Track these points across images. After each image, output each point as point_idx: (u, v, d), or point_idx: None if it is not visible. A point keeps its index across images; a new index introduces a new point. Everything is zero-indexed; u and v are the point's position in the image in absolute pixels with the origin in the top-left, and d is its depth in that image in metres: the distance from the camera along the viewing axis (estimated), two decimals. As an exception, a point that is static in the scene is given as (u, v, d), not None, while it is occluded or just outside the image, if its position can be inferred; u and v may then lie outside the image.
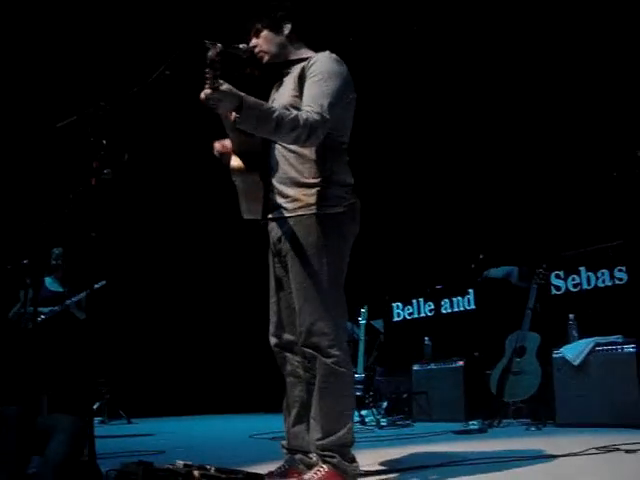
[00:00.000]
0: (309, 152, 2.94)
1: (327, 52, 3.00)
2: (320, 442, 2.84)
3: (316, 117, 2.77)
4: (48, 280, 7.39)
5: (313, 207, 2.90)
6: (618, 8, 6.71)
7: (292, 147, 2.92)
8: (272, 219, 3.05)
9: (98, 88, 6.73)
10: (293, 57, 3.10)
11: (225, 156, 3.18)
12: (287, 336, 3.08)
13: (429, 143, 8.78)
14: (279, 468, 3.05)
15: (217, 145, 3.22)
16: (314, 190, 2.91)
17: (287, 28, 3.07)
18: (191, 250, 10.19)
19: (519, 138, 7.95)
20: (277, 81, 3.19)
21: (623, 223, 5.91)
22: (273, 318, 3.12)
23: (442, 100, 8.41)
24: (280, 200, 2.99)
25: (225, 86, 2.64)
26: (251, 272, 3.44)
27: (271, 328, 3.13)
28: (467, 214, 8.41)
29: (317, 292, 2.88)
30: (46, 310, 7.01)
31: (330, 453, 2.83)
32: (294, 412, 3.09)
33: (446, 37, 7.85)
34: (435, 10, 7.66)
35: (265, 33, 3.07)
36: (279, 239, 3.01)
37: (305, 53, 3.09)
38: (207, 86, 2.63)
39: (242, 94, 2.68)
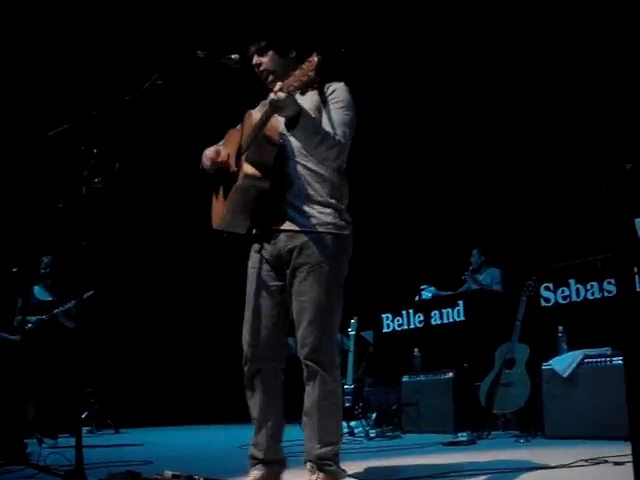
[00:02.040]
0: (327, 173, 3.08)
1: (342, 83, 3.13)
2: (319, 452, 2.96)
3: (342, 141, 2.98)
4: (37, 289, 7.36)
5: (331, 227, 3.05)
6: (608, 20, 6.76)
7: (311, 165, 3.06)
8: (282, 230, 3.08)
9: (90, 97, 6.75)
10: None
11: (215, 166, 3.22)
12: (266, 345, 3.10)
13: (416, 155, 8.82)
14: None
15: (210, 153, 3.25)
16: (329, 210, 3.06)
17: (292, 53, 3.15)
18: (180, 258, 10.17)
19: (508, 150, 8.01)
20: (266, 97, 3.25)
21: (612, 236, 5.93)
22: (252, 326, 3.11)
23: (431, 112, 8.45)
24: (294, 214, 3.05)
25: (295, 93, 2.80)
26: (237, 282, 3.43)
27: (247, 336, 3.13)
28: (456, 225, 8.45)
29: (328, 309, 2.99)
30: (33, 319, 6.98)
31: (328, 462, 2.97)
32: (269, 425, 3.12)
33: (441, 40, 7.89)
34: (429, 12, 7.71)
35: (271, 54, 3.15)
36: (289, 251, 3.06)
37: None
38: (280, 90, 2.73)
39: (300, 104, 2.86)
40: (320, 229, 3.03)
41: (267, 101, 3.00)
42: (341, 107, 3.05)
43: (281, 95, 2.73)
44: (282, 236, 3.08)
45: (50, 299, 7.31)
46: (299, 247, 3.03)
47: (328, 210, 3.06)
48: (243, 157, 3.01)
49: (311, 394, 3.00)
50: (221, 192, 3.22)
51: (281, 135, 3.06)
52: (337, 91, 3.09)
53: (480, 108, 8.10)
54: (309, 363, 2.98)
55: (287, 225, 3.06)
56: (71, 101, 7.18)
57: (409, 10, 7.68)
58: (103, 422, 8.25)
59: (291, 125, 2.88)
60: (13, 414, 5.41)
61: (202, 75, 3.36)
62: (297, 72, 2.68)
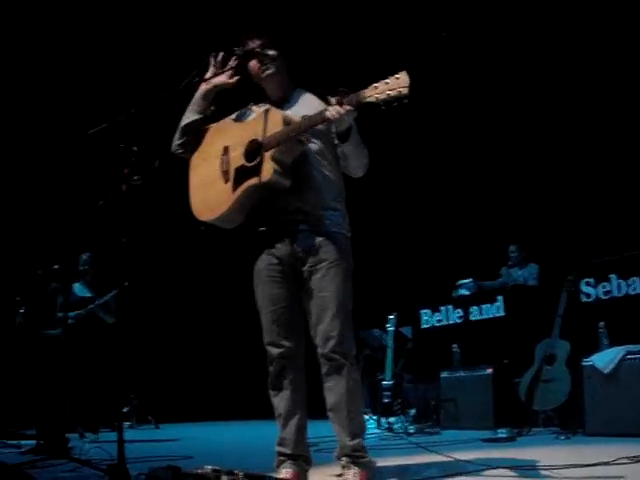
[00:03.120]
0: (335, 177, 3.24)
1: None
2: (351, 444, 3.06)
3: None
4: (77, 286, 7.45)
5: (341, 228, 3.20)
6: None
7: (325, 170, 3.20)
8: (298, 230, 3.15)
9: (129, 95, 6.84)
10: (289, 88, 3.34)
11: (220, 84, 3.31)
12: (288, 344, 3.20)
13: (454, 147, 8.77)
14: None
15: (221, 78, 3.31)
16: (338, 213, 3.21)
17: (289, 59, 3.34)
18: (218, 253, 10.23)
19: (548, 142, 7.93)
20: (258, 101, 3.40)
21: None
22: (271, 327, 3.21)
23: (467, 103, 8.40)
24: (310, 215, 3.15)
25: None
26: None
27: (268, 337, 3.22)
28: (494, 219, 8.39)
29: (347, 303, 3.13)
30: (72, 314, 7.07)
31: (360, 453, 3.09)
32: (297, 419, 3.22)
33: (465, 38, 7.85)
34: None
35: (275, 51, 3.27)
36: (306, 250, 3.14)
37: (299, 91, 3.34)
38: (353, 102, 2.87)
39: None
40: (334, 229, 3.16)
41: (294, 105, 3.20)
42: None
43: (348, 109, 2.89)
44: (298, 236, 3.16)
45: (89, 295, 7.41)
46: (317, 246, 3.13)
47: (337, 213, 3.20)
48: (267, 154, 3.05)
49: (337, 388, 3.08)
50: (219, 181, 3.24)
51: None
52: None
53: (522, 97, 8.02)
54: (335, 356, 3.07)
55: (303, 225, 3.15)
56: (110, 100, 7.27)
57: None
58: (143, 417, 8.38)
59: (344, 138, 3.06)
60: (55, 409, 5.51)
61: (239, 72, 3.39)
62: (379, 85, 2.79)
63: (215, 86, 3.32)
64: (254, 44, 3.27)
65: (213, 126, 3.40)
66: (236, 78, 3.30)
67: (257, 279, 3.27)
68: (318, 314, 3.10)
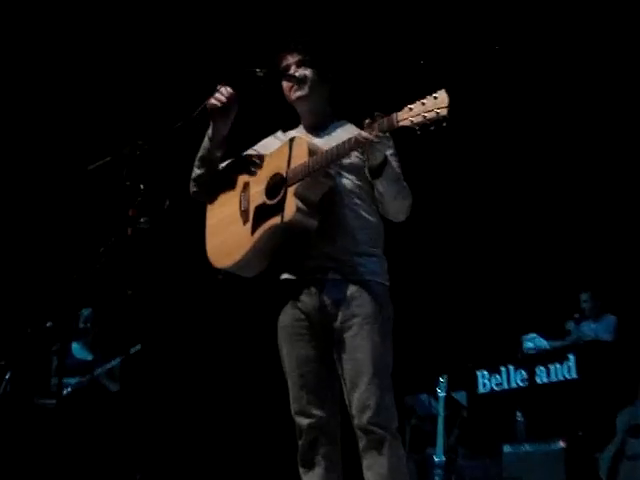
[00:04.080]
0: (373, 219, 3.27)
1: None
2: None
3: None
4: (75, 346, 7.36)
5: (378, 276, 3.21)
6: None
7: (359, 210, 3.22)
8: (327, 279, 3.16)
9: (135, 124, 6.89)
10: (327, 116, 3.42)
11: (225, 108, 3.26)
12: (320, 413, 3.17)
13: (514, 186, 8.75)
14: None
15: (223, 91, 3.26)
16: (375, 259, 3.22)
17: (330, 81, 3.42)
18: (242, 306, 10.19)
19: (620, 180, 7.91)
20: (288, 128, 3.49)
21: None
22: (299, 393, 3.19)
23: (529, 130, 8.38)
24: (341, 261, 3.17)
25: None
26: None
27: (297, 406, 3.21)
28: (565, 264, 8.32)
29: (386, 366, 3.12)
30: (72, 381, 7.02)
31: None
32: None
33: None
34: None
35: (311, 71, 3.34)
36: (336, 302, 3.13)
37: (341, 123, 3.41)
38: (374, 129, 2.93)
39: None
40: (368, 277, 3.17)
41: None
42: (394, 154, 3.26)
43: (381, 135, 2.94)
44: (327, 285, 3.17)
45: (91, 358, 7.35)
46: (349, 297, 3.13)
47: (373, 259, 3.22)
48: (290, 189, 3.10)
49: (376, 466, 3.03)
50: (238, 222, 3.30)
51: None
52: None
53: (595, 132, 8.03)
54: (373, 429, 3.02)
55: (333, 273, 3.17)
56: (115, 129, 7.34)
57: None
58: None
59: (377, 172, 3.10)
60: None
61: (261, 97, 3.43)
62: (415, 107, 2.81)
63: (208, 109, 3.31)
64: (288, 61, 3.35)
65: (234, 159, 3.46)
66: (225, 99, 3.25)
67: (282, 337, 3.28)
68: (352, 379, 3.08)
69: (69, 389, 6.97)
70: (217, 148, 3.34)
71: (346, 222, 3.19)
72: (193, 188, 3.43)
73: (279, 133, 3.49)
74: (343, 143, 3.02)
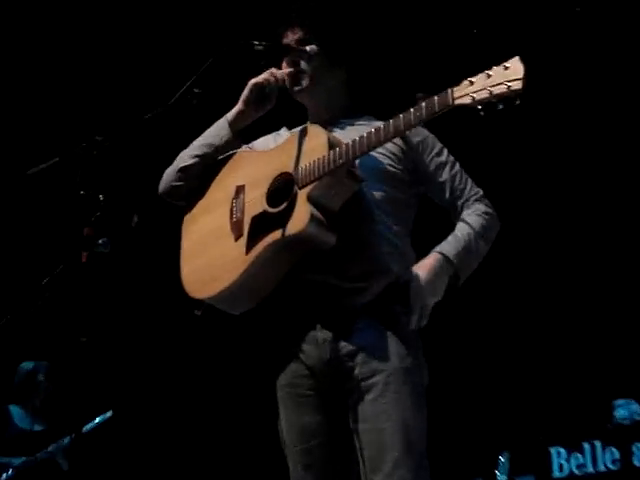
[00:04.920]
0: (407, 245, 3.30)
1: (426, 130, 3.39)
2: None
3: (491, 210, 3.34)
4: (16, 411, 7.19)
5: (399, 306, 3.13)
6: None
7: (392, 231, 3.23)
8: (341, 322, 3.13)
9: (93, 114, 6.88)
10: (343, 109, 3.45)
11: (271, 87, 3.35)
12: None
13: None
14: None
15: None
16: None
17: (344, 65, 3.45)
18: (227, 353, 10.21)
19: None
20: (294, 125, 3.47)
21: None
22: (301, 474, 3.16)
23: None
24: (356, 295, 3.13)
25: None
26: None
27: None
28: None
29: (419, 436, 3.06)
30: (16, 462, 6.88)
31: None
32: None
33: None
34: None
35: (316, 49, 3.35)
36: (351, 354, 3.09)
37: (366, 119, 3.42)
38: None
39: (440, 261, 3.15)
40: (395, 318, 3.14)
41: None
42: (453, 162, 3.35)
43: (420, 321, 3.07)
44: (340, 328, 3.13)
45: (39, 428, 7.23)
46: (370, 345, 3.09)
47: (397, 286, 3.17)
48: (302, 193, 3.06)
49: None
50: (226, 238, 3.26)
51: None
52: (430, 138, 3.37)
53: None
54: None
55: (348, 312, 3.13)
56: (64, 121, 7.34)
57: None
58: None
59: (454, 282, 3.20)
60: None
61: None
62: (477, 79, 2.77)
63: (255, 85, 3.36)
64: (288, 39, 3.37)
65: (223, 160, 3.46)
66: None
67: (281, 400, 3.25)
68: (373, 457, 3.01)
69: (10, 473, 6.75)
70: (234, 139, 3.41)
71: (370, 244, 3.17)
72: (175, 181, 3.42)
73: (283, 130, 3.52)
74: (377, 130, 2.99)
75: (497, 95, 2.71)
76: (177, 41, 6.96)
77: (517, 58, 2.72)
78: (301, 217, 3.00)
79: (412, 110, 2.90)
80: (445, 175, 3.30)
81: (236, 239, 3.19)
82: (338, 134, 3.24)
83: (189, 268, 3.35)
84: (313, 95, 3.38)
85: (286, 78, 3.34)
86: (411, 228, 3.34)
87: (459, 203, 3.30)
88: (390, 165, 3.24)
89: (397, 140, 3.22)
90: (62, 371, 6.50)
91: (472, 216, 3.26)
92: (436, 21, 7.01)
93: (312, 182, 3.03)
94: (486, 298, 8.72)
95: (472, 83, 2.76)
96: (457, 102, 2.79)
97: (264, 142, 3.51)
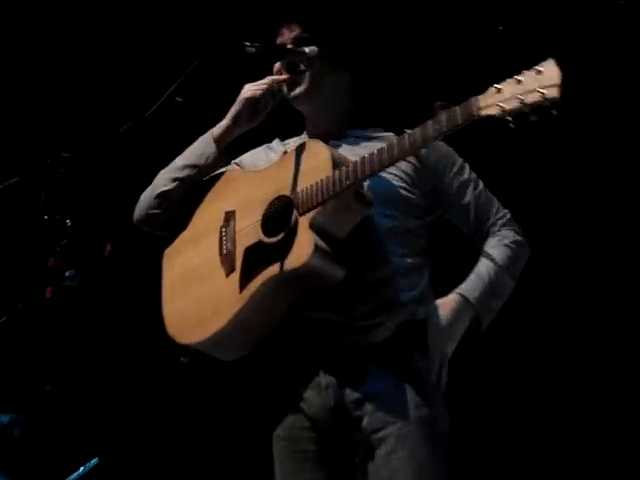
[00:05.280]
0: (424, 278, 3.26)
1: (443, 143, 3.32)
2: None
3: (519, 237, 3.35)
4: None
5: (416, 347, 3.13)
6: None
7: (406, 264, 3.20)
8: (348, 366, 3.09)
9: (59, 126, 6.83)
10: (346, 121, 3.43)
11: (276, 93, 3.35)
12: None
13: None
14: None
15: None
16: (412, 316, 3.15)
17: (349, 68, 3.43)
18: (218, 403, 10.18)
19: None
20: (287, 136, 3.51)
21: None
22: None
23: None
24: (366, 334, 3.10)
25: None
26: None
27: None
28: None
29: None
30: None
31: None
32: None
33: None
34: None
35: (315, 49, 3.32)
36: (358, 400, 3.06)
37: (375, 131, 3.42)
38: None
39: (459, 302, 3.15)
40: (415, 362, 3.13)
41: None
42: (479, 187, 3.35)
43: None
44: (346, 373, 3.10)
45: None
46: (380, 394, 3.06)
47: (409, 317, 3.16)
48: (303, 220, 3.02)
49: None
50: (216, 273, 3.23)
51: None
52: (450, 154, 3.37)
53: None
54: None
55: (355, 353, 3.10)
56: (25, 135, 7.32)
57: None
58: None
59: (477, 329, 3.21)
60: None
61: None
62: (506, 86, 2.69)
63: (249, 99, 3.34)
64: (284, 38, 3.36)
65: (208, 181, 3.44)
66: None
67: (277, 455, 3.21)
68: None
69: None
70: (220, 157, 3.39)
71: (382, 277, 3.15)
72: (152, 209, 3.40)
73: (275, 142, 3.51)
74: (390, 146, 2.94)
75: (530, 104, 2.61)
76: (156, 42, 6.89)
77: (552, 61, 2.63)
78: (303, 248, 2.96)
79: (430, 122, 2.84)
80: (468, 196, 3.29)
81: (227, 274, 3.16)
82: (342, 149, 3.23)
83: (172, 308, 3.32)
84: (312, 103, 3.36)
85: (282, 84, 3.33)
86: (429, 261, 3.30)
87: (485, 228, 3.30)
88: (403, 188, 3.22)
89: (410, 157, 3.18)
90: (35, 423, 6.46)
91: (498, 248, 3.26)
92: (455, 16, 6.90)
93: (315, 207, 3.00)
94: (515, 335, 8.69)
95: (500, 91, 2.68)
96: (483, 113, 2.71)
97: (254, 157, 3.48)
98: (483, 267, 3.23)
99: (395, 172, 3.19)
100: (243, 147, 3.52)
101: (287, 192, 3.09)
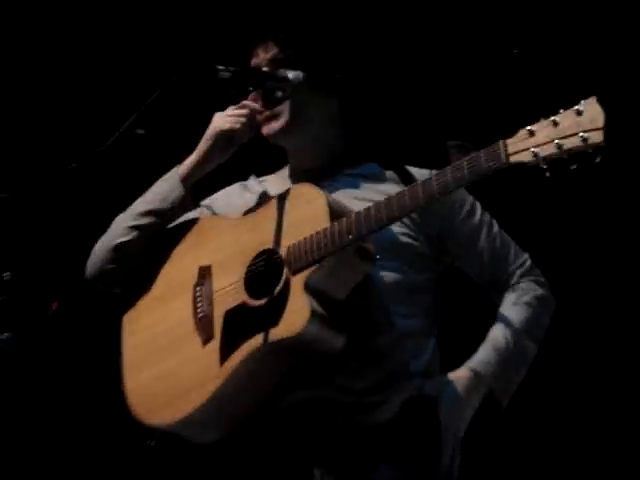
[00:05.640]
0: (432, 340, 3.21)
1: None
2: None
3: (544, 291, 3.29)
4: None
5: (424, 431, 3.04)
6: None
7: (416, 323, 3.15)
8: (348, 448, 3.01)
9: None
10: (336, 157, 3.36)
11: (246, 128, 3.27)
12: None
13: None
14: None
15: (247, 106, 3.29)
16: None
17: (335, 93, 3.36)
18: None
19: None
20: (263, 172, 3.50)
21: None
22: None
23: None
24: (363, 411, 3.02)
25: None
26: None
27: None
28: None
29: None
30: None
31: None
32: None
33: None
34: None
35: (297, 73, 3.27)
36: None
37: (369, 168, 3.35)
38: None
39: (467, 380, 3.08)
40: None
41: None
42: (493, 230, 3.30)
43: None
44: (345, 472, 3.02)
45: None
46: None
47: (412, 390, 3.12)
48: (296, 280, 2.94)
49: None
50: (191, 341, 3.14)
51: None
52: (469, 202, 3.32)
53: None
54: None
55: (366, 437, 3.02)
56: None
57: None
58: None
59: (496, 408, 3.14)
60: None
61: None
62: (541, 128, 2.59)
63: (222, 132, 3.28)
64: (259, 59, 3.32)
65: (177, 228, 3.39)
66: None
67: None
68: None
69: None
70: (187, 199, 3.30)
71: (386, 344, 3.06)
72: (108, 263, 3.31)
73: (251, 180, 3.47)
74: (401, 196, 2.85)
75: (569, 150, 2.53)
76: (115, 65, 6.88)
77: (593, 100, 2.53)
78: (297, 314, 2.88)
79: (449, 170, 2.75)
80: (482, 242, 3.24)
81: (204, 343, 3.08)
82: (339, 194, 3.17)
83: (137, 383, 3.21)
84: (293, 137, 3.31)
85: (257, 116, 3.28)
86: (435, 322, 3.22)
87: (501, 279, 3.25)
88: (405, 234, 3.14)
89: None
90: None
91: (516, 307, 3.20)
92: (466, 34, 6.78)
93: (310, 265, 2.92)
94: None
95: (532, 134, 2.60)
96: (513, 159, 2.63)
97: (227, 199, 3.42)
98: (499, 333, 3.15)
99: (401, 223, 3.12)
100: (208, 184, 3.45)
101: (273, 245, 3.02)
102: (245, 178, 3.46)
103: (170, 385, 3.12)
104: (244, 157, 3.38)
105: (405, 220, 3.12)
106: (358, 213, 2.89)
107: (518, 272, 3.25)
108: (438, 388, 3.02)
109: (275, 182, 3.32)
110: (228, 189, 3.46)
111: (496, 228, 3.28)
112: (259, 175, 3.42)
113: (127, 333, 3.30)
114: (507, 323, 3.15)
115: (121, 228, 3.31)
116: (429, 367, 3.13)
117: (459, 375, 3.06)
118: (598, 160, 2.49)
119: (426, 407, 3.01)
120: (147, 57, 5.86)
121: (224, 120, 3.26)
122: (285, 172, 3.39)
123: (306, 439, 3.01)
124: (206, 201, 3.43)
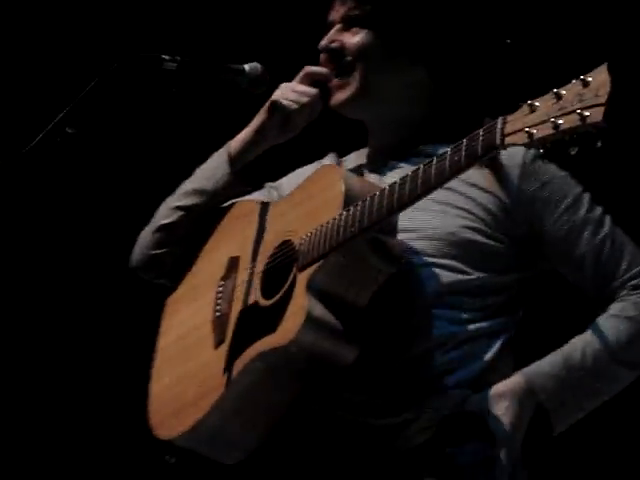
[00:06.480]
0: (499, 314, 2.82)
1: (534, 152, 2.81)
2: None
3: None
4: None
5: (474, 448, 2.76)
6: None
7: (471, 339, 2.77)
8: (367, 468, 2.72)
9: None
10: (419, 133, 2.99)
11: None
12: None
13: None
14: None
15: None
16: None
17: (422, 62, 2.99)
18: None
19: None
20: (345, 152, 3.18)
21: None
22: None
23: None
24: (388, 433, 2.73)
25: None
26: None
27: None
28: None
29: None
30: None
31: None
32: None
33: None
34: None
35: (369, 36, 2.97)
36: None
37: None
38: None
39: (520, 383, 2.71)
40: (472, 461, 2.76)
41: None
42: (604, 229, 2.82)
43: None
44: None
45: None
46: None
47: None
48: (301, 277, 2.71)
49: None
50: (205, 344, 2.96)
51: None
52: (573, 193, 2.84)
53: None
54: None
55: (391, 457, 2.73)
56: None
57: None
58: None
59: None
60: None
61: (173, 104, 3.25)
62: (545, 102, 2.22)
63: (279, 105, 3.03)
64: (333, 16, 3.04)
65: (224, 210, 3.22)
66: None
67: None
68: None
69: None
70: (235, 181, 3.11)
71: (418, 352, 2.77)
72: (152, 248, 3.16)
73: (327, 158, 3.15)
74: (422, 168, 2.49)
75: (566, 131, 2.16)
76: (43, 53, 6.69)
77: (604, 67, 2.14)
78: (294, 317, 2.65)
79: (449, 152, 2.43)
80: (583, 244, 2.80)
81: (216, 346, 2.90)
82: (397, 172, 2.87)
83: (157, 390, 3.05)
84: (362, 109, 3.03)
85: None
86: (510, 323, 2.85)
87: (608, 289, 2.80)
88: (477, 229, 2.79)
89: (493, 185, 2.83)
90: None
91: (613, 320, 2.76)
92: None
93: (314, 261, 2.69)
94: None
95: (533, 109, 2.24)
96: (508, 141, 2.27)
97: (296, 180, 3.09)
98: (579, 345, 2.76)
99: (465, 205, 2.79)
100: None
101: (291, 236, 2.82)
102: (322, 156, 3.16)
103: (179, 393, 2.98)
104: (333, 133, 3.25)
105: (479, 212, 2.79)
106: (364, 201, 2.61)
107: (631, 283, 2.79)
108: (481, 403, 2.69)
109: (353, 161, 3.04)
110: (301, 169, 3.16)
111: (608, 227, 2.81)
112: (341, 155, 3.11)
113: (163, 329, 3.20)
114: (595, 336, 2.75)
115: (166, 209, 3.20)
116: (486, 374, 2.78)
117: (508, 385, 2.69)
118: (599, 144, 2.11)
119: (467, 424, 2.71)
120: (84, 44, 5.61)
121: (285, 94, 3.01)
122: (366, 150, 3.08)
123: (319, 470, 2.76)
124: (276, 182, 3.23)
